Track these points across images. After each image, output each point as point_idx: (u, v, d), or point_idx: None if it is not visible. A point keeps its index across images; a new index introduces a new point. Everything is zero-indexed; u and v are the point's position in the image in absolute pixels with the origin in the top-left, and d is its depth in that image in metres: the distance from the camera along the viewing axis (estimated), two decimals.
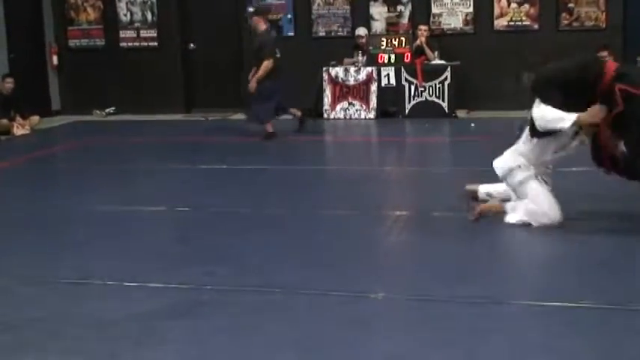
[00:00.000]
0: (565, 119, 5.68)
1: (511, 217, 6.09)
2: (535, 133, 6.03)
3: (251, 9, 11.14)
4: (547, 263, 5.41)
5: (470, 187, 6.70)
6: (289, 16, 14.32)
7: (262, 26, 11.06)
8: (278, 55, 11.06)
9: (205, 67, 14.51)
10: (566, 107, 5.70)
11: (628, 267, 5.05)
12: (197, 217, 6.77)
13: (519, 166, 6.10)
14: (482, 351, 3.83)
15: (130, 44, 14.72)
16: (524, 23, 13.42)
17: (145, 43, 14.67)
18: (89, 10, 14.82)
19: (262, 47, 11.00)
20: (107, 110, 14.59)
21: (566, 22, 13.27)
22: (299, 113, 11.51)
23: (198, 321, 4.31)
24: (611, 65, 5.92)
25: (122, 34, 14.74)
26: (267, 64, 10.84)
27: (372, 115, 13.05)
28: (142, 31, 14.66)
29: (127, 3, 14.66)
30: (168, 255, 5.67)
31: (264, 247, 5.71)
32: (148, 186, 8.18)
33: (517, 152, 6.17)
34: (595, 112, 5.66)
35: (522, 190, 6.07)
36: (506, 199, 6.36)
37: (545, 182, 6.15)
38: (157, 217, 6.87)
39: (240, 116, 13.98)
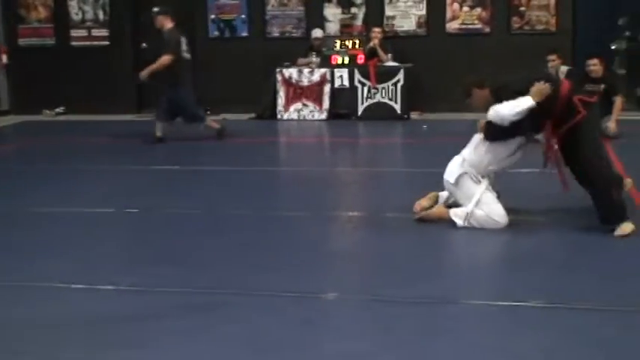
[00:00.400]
0: (521, 102, 5.80)
1: (460, 222, 6.09)
2: (489, 136, 6.07)
3: (156, 8, 10.96)
4: (495, 263, 5.44)
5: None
6: (243, 16, 14.27)
7: (168, 24, 10.82)
8: (188, 56, 10.91)
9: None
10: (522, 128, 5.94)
11: (573, 266, 5.09)
12: (147, 218, 6.69)
13: (469, 176, 6.12)
14: (433, 351, 3.82)
15: (81, 43, 14.54)
16: (475, 26, 13.53)
17: (97, 42, 14.50)
18: (40, 8, 14.62)
19: (165, 42, 10.78)
20: (57, 110, 14.40)
21: (517, 25, 13.41)
22: (217, 126, 11.09)
23: (148, 323, 4.25)
24: (566, 84, 6.14)
25: (73, 32, 14.57)
26: (165, 59, 10.58)
27: (325, 116, 13.05)
28: (93, 30, 14.50)
29: (78, 1, 14.49)
30: (118, 257, 5.59)
31: (215, 249, 5.66)
32: (97, 187, 8.07)
33: (465, 162, 6.19)
34: (541, 87, 5.81)
35: (472, 198, 6.07)
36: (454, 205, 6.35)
37: (492, 188, 6.18)
38: (105, 218, 6.77)
39: None
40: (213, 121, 11.13)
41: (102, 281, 4.93)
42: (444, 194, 6.45)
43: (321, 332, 4.11)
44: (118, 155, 10.14)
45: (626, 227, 5.75)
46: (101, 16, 14.47)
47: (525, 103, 5.79)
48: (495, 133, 6.05)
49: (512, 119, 5.87)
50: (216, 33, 14.38)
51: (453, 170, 6.21)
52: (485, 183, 6.11)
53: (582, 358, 3.71)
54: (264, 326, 4.17)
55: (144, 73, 10.77)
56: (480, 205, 6.02)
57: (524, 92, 5.84)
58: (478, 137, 6.26)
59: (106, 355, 3.90)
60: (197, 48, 14.36)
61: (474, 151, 6.21)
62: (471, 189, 6.09)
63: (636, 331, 3.98)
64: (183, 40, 10.90)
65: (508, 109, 5.86)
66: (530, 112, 5.82)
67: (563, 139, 6.01)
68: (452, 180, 6.18)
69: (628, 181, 6.20)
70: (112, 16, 14.41)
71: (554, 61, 11.21)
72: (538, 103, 5.79)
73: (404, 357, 3.78)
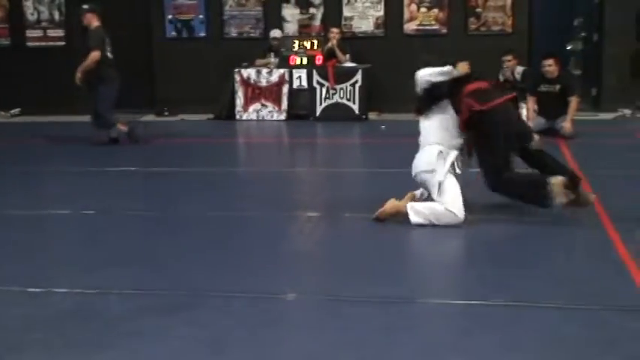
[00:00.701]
0: (443, 68, 6.33)
1: (415, 218, 6.12)
2: (421, 109, 6.43)
3: (85, 6, 10.83)
4: (453, 261, 5.45)
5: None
6: (201, 16, 14.21)
7: (95, 23, 10.61)
8: (110, 56, 10.66)
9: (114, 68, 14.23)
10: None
11: (531, 263, 5.12)
12: (104, 220, 6.62)
13: (441, 154, 6.17)
14: (392, 350, 3.82)
15: (36, 44, 14.37)
16: (433, 27, 13.61)
17: (52, 43, 14.35)
18: None
19: (90, 40, 10.57)
20: (12, 111, 14.22)
21: (474, 26, 13.51)
22: (125, 129, 10.77)
23: (105, 325, 4.20)
24: (472, 85, 6.39)
25: (29, 33, 14.39)
26: (94, 55, 10.36)
27: (283, 116, 13.04)
28: (48, 31, 14.34)
29: (33, 2, 14.33)
30: (75, 259, 5.52)
31: (173, 250, 5.62)
32: (53, 189, 7.99)
33: (433, 146, 6.24)
34: (464, 65, 6.48)
35: (439, 189, 6.09)
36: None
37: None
38: (62, 220, 6.69)
39: (151, 117, 13.82)
40: (121, 123, 10.78)
41: (57, 284, 4.87)
42: (419, 192, 6.47)
43: (281, 332, 4.10)
44: (75, 157, 10.03)
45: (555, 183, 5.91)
46: (57, 16, 14.32)
47: (447, 67, 6.31)
48: (422, 104, 6.41)
49: (433, 80, 6.30)
50: (174, 33, 14.31)
51: (430, 160, 6.21)
52: (451, 159, 6.18)
53: (544, 355, 3.73)
54: (223, 327, 4.14)
55: (78, 76, 10.47)
56: (442, 193, 6.05)
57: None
58: (421, 123, 6.42)
59: (66, 357, 3.85)
60: (154, 48, 14.30)
61: (429, 132, 6.32)
62: (442, 180, 6.07)
63: (597, 328, 4.01)
64: (108, 41, 10.65)
65: (431, 72, 6.35)
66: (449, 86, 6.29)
67: (474, 134, 6.28)
68: (429, 168, 6.20)
69: (592, 197, 6.29)
70: (68, 17, 14.25)
71: (510, 61, 11.33)
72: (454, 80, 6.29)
73: (363, 356, 3.77)
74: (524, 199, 6.26)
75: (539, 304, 4.37)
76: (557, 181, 5.93)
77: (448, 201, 6.01)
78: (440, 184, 6.05)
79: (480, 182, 6.33)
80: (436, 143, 6.21)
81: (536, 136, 8.89)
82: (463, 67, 6.54)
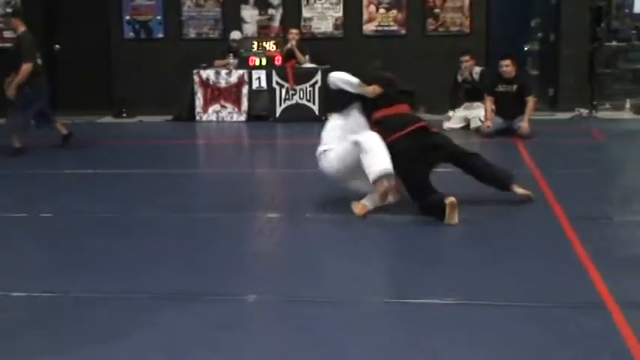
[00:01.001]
0: (353, 80, 6.62)
1: (367, 202, 6.33)
2: (333, 108, 6.93)
3: (9, 10, 10.61)
4: (410, 261, 5.44)
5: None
6: (159, 17, 14.14)
7: (21, 28, 10.33)
8: (39, 62, 10.24)
9: (71, 69, 14.13)
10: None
11: (487, 262, 5.16)
12: (62, 222, 6.56)
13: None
14: (350, 350, 3.84)
15: None
16: (391, 28, 13.67)
17: (8, 44, 14.15)
18: None
19: (21, 50, 10.14)
20: None
21: (432, 27, 13.58)
22: (65, 131, 10.49)
23: (62, 329, 4.17)
24: (380, 112, 6.62)
25: None
26: (26, 68, 9.91)
27: (243, 117, 13.01)
28: (4, 32, 14.16)
29: None
30: (32, 262, 5.47)
31: (131, 252, 5.58)
32: (8, 191, 7.89)
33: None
34: (372, 89, 6.57)
35: (359, 150, 6.27)
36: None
37: None
38: (18, 223, 6.62)
39: (109, 119, 13.72)
40: (62, 125, 10.51)
41: (15, 288, 4.82)
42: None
43: (241, 334, 4.09)
44: (32, 159, 9.91)
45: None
46: None
47: (354, 80, 6.59)
48: (330, 103, 6.86)
49: (339, 85, 6.64)
50: (132, 34, 14.22)
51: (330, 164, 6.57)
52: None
53: (499, 353, 3.76)
54: (183, 330, 4.13)
55: (10, 92, 9.99)
56: (366, 148, 6.22)
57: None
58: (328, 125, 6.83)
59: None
60: (112, 49, 14.21)
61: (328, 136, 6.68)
62: (355, 142, 6.31)
63: (552, 325, 4.06)
64: (37, 46, 10.31)
65: (339, 75, 6.70)
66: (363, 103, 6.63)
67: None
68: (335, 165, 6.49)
69: (531, 194, 6.50)
70: (25, 18, 14.06)
71: (467, 62, 11.41)
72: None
73: (321, 357, 3.79)
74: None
75: (495, 302, 4.41)
76: (449, 201, 6.02)
77: (376, 155, 6.18)
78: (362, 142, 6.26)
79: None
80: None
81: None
82: (373, 90, 6.63)
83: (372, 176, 6.13)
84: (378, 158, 6.14)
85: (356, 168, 6.30)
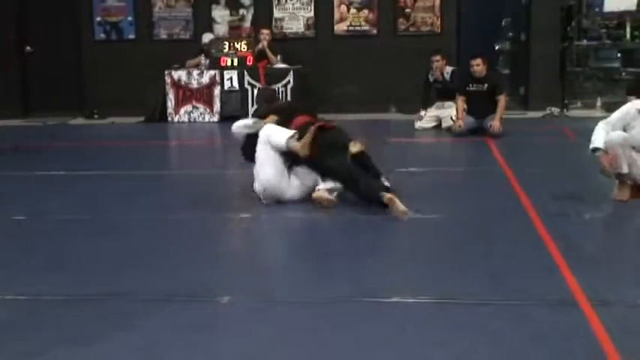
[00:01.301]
0: (248, 121, 7.26)
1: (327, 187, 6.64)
2: (246, 156, 7.18)
3: None
4: (384, 259, 5.47)
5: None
6: (130, 18, 14.08)
7: None
8: None
9: (43, 71, 14.03)
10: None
11: (460, 260, 5.19)
12: (35, 225, 6.51)
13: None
14: (325, 349, 3.85)
15: None
16: (363, 28, 13.70)
17: None
18: None
19: None
20: None
21: (403, 27, 13.63)
22: None
23: (38, 332, 4.14)
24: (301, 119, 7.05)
25: None
26: None
27: (216, 118, 12.99)
28: None
29: None
30: (4, 265, 5.42)
31: (104, 254, 5.56)
32: None
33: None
34: (303, 145, 6.64)
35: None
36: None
37: None
38: None
39: (79, 120, 13.64)
40: None
41: None
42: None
43: (214, 336, 4.09)
44: (3, 161, 9.84)
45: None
46: None
47: (249, 121, 7.29)
48: (244, 150, 7.21)
49: (242, 132, 7.25)
50: (103, 35, 14.15)
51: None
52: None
53: (472, 350, 3.79)
54: (157, 332, 4.12)
55: None
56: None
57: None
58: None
59: None
60: (83, 51, 14.13)
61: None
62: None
63: (525, 323, 4.09)
64: None
65: (239, 123, 7.37)
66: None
67: None
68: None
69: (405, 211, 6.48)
70: None
71: (438, 61, 11.47)
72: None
73: (297, 356, 3.80)
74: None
75: (468, 300, 4.44)
76: (387, 198, 6.24)
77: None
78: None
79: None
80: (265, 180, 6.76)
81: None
82: (271, 119, 7.03)
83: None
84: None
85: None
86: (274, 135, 6.71)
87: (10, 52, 13.96)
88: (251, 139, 6.95)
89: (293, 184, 6.78)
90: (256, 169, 6.82)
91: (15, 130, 12.74)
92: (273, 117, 7.07)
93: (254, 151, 6.84)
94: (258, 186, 6.83)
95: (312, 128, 6.72)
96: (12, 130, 12.74)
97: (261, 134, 6.77)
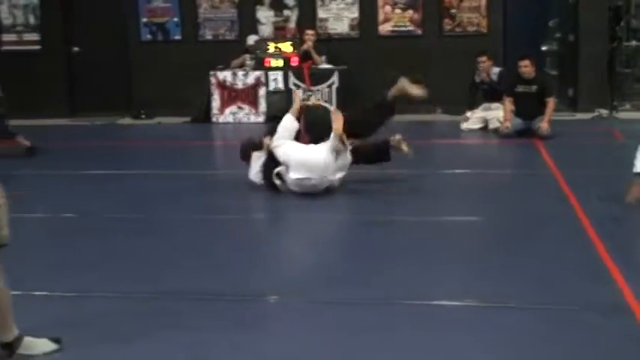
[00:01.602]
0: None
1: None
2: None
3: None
4: (422, 259, 5.45)
5: None
6: (175, 19, 14.17)
7: None
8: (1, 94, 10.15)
9: (90, 71, 14.18)
10: None
11: (507, 263, 5.15)
12: (83, 223, 6.60)
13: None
14: (368, 351, 3.85)
15: (11, 48, 14.27)
16: (407, 28, 13.62)
17: (28, 47, 14.25)
18: None
19: None
20: None
21: (448, 27, 13.53)
22: (27, 143, 10.11)
23: (82, 329, 4.19)
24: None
25: (4, 37, 14.28)
26: None
27: (261, 119, 13.02)
28: (24, 35, 14.25)
29: (9, 6, 14.21)
30: (54, 263, 5.50)
31: (151, 253, 5.61)
32: (31, 192, 7.92)
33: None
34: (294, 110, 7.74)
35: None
36: None
37: None
38: (42, 224, 6.67)
39: (127, 120, 13.77)
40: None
41: (37, 287, 4.85)
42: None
43: (259, 335, 4.11)
44: (50, 159, 9.95)
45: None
46: (32, 20, 14.23)
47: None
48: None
49: (255, 171, 7.63)
50: (149, 36, 14.26)
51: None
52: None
53: (523, 355, 3.77)
54: (202, 331, 4.15)
55: None
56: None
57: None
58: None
59: None
60: (130, 51, 14.25)
61: None
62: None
63: (574, 327, 4.05)
64: None
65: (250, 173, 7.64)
66: None
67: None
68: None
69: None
70: (43, 20, 14.18)
71: (484, 62, 11.39)
72: None
73: (339, 357, 3.81)
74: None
75: (514, 304, 4.41)
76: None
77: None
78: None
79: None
80: None
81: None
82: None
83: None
84: None
85: None
86: (280, 128, 7.43)
87: (58, 53, 14.14)
88: (269, 166, 7.32)
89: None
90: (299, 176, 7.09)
91: (62, 130, 12.90)
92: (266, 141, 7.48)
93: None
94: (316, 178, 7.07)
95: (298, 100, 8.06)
96: (60, 130, 12.89)
97: (278, 151, 7.22)
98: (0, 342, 3.92)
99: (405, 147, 7.41)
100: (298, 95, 8.98)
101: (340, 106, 12.33)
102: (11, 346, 3.91)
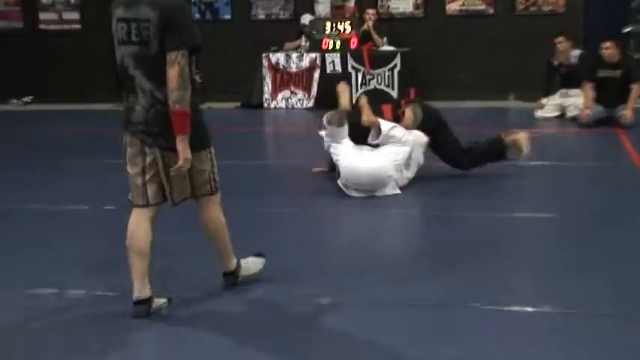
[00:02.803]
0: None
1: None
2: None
3: None
4: (495, 263, 5.34)
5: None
6: None
7: None
8: None
9: None
10: None
11: (585, 268, 5.03)
12: (125, 216, 6.58)
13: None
14: (433, 357, 3.81)
15: (51, 27, 14.44)
16: (478, 7, 13.48)
17: (68, 26, 14.41)
18: None
19: None
20: (25, 99, 14.30)
21: (522, 6, 13.37)
22: None
23: (124, 331, 4.19)
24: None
25: (42, 16, 14.46)
26: None
27: (312, 103, 12.95)
28: (64, 14, 14.41)
29: None
30: (93, 258, 5.51)
31: (196, 246, 5.55)
32: (70, 183, 8.00)
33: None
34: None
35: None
36: None
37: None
38: (80, 216, 6.71)
39: None
40: None
41: (74, 285, 4.91)
42: None
43: (313, 335, 4.08)
44: (90, 147, 10.03)
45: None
46: None
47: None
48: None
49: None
50: (197, 16, 14.30)
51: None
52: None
53: None
54: (256, 330, 4.16)
55: None
56: None
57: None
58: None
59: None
60: None
61: None
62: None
63: None
64: None
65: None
66: None
67: None
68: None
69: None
70: None
71: (561, 43, 11.19)
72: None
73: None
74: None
75: (590, 310, 4.32)
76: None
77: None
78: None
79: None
80: None
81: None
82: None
83: None
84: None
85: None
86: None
87: (100, 33, 14.21)
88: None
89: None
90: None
91: (105, 115, 12.97)
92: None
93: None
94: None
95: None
96: (101, 115, 12.96)
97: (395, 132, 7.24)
98: (223, 272, 4.63)
99: (525, 148, 7.36)
100: (345, 90, 8.61)
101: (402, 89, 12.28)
102: (234, 273, 4.61)
